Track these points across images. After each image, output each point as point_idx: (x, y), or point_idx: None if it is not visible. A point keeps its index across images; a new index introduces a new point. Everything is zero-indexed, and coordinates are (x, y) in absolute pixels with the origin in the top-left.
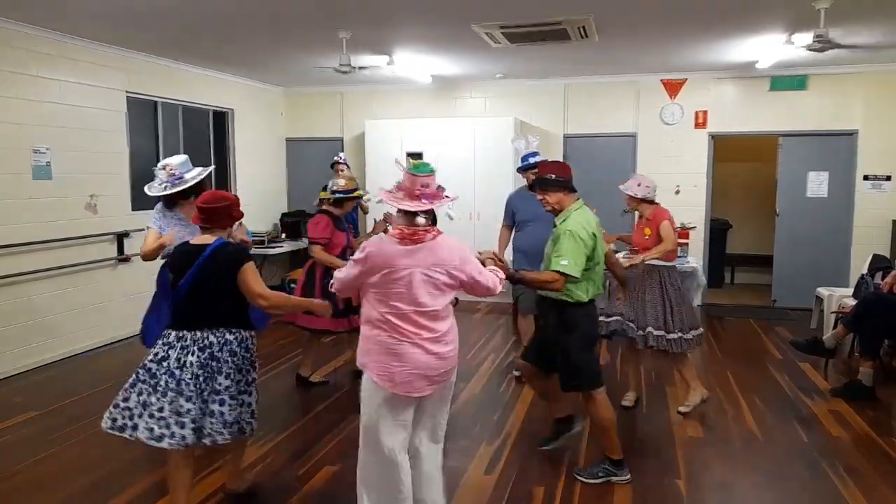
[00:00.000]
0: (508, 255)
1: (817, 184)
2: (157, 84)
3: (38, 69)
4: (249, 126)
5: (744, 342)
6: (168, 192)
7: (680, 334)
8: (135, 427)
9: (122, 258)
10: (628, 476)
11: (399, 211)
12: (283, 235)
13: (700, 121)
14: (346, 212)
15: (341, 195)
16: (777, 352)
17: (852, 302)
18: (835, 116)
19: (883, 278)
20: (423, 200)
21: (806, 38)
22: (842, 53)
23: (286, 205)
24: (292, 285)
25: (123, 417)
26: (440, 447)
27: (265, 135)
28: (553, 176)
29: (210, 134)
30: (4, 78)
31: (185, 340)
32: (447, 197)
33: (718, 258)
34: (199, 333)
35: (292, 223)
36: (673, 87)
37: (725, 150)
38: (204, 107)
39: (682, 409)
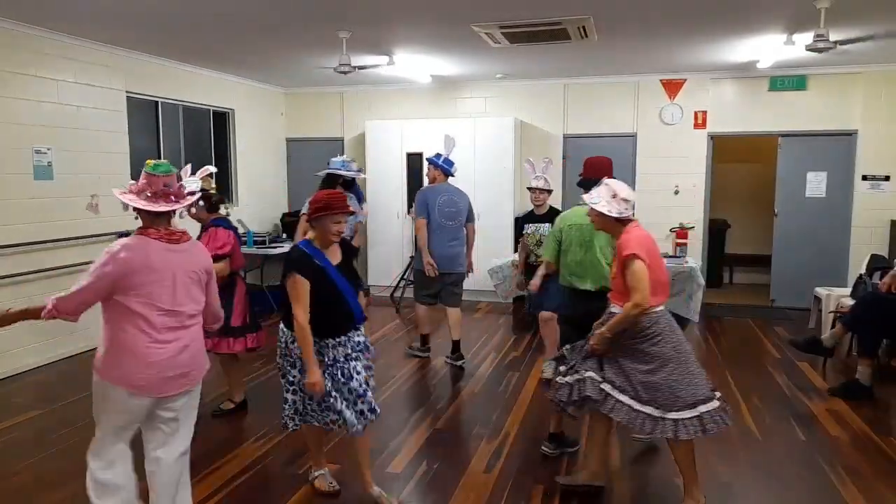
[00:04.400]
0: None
1: (816, 184)
2: (157, 84)
3: (38, 69)
4: (250, 126)
5: (742, 342)
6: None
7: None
8: None
9: None
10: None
11: (149, 213)
12: (284, 235)
13: (699, 121)
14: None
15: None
16: (776, 351)
17: (850, 302)
18: (834, 117)
19: (881, 278)
20: (172, 199)
21: (806, 38)
22: (842, 53)
23: (286, 205)
24: None
25: None
26: None
27: (265, 135)
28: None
29: (210, 134)
30: (5, 78)
31: None
32: (192, 194)
33: (717, 258)
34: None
35: (293, 223)
36: (672, 88)
37: (725, 150)
38: (204, 107)
39: None
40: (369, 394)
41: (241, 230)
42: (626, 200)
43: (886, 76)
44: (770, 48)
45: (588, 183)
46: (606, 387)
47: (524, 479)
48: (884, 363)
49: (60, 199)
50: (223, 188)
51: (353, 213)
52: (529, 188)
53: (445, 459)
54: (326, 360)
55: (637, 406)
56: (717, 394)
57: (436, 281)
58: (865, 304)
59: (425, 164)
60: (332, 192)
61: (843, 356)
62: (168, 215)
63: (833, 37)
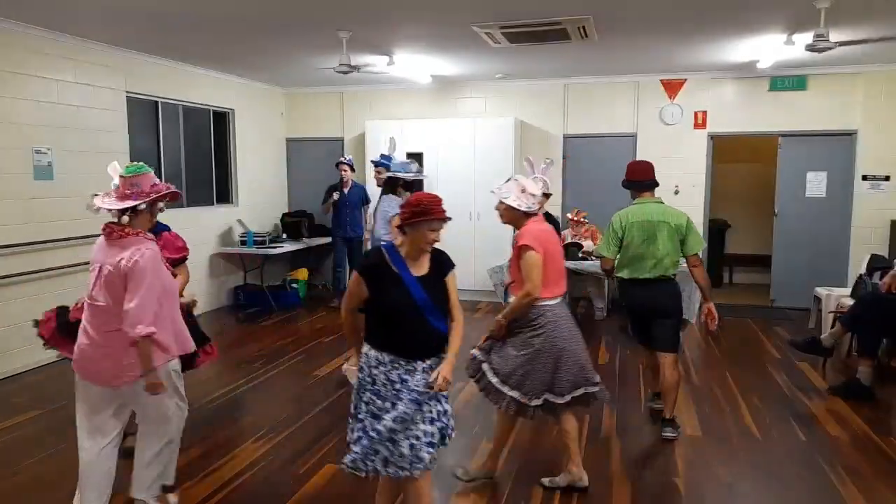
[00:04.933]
0: None
1: (816, 184)
2: (157, 84)
3: (38, 69)
4: (250, 126)
5: (742, 342)
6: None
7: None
8: None
9: None
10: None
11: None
12: (284, 235)
13: (699, 121)
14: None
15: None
16: (776, 351)
17: (850, 302)
18: (834, 117)
19: (881, 278)
20: (132, 199)
21: (806, 38)
22: (842, 53)
23: (287, 205)
24: (294, 286)
25: None
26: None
27: (265, 135)
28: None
29: (210, 134)
30: (4, 78)
31: None
32: (154, 195)
33: (717, 258)
34: None
35: (293, 223)
36: (672, 88)
37: (725, 150)
38: (204, 107)
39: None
40: (432, 438)
41: (240, 230)
42: (532, 195)
43: (886, 76)
44: (770, 48)
45: (633, 185)
46: (485, 366)
47: (525, 480)
48: (884, 363)
49: (60, 199)
50: (223, 188)
51: (450, 219)
52: None
53: (446, 459)
54: (411, 384)
55: (505, 390)
56: (576, 392)
57: None
58: (865, 304)
59: (370, 164)
60: (430, 195)
61: (843, 356)
62: (121, 212)
63: (833, 37)
